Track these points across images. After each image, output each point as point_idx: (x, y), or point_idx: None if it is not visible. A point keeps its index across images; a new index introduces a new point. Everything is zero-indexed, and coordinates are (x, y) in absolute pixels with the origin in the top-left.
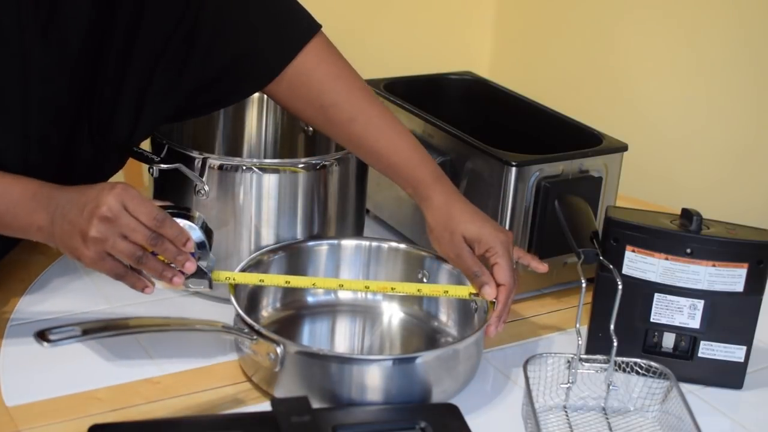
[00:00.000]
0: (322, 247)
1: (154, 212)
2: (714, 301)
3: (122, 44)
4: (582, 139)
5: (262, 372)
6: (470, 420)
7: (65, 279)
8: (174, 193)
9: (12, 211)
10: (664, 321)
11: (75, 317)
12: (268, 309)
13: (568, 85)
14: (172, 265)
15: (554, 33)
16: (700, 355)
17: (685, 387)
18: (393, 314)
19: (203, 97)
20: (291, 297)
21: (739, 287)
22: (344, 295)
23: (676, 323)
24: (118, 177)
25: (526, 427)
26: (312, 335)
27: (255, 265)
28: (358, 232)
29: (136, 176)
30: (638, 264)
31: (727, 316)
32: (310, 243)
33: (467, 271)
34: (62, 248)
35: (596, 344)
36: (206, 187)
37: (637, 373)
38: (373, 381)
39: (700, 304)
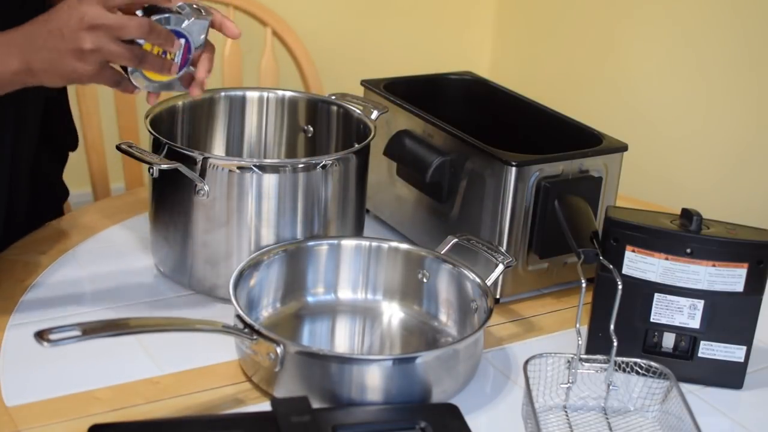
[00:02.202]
0: (322, 247)
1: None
2: (714, 301)
3: None
4: (582, 139)
5: (262, 372)
6: (470, 420)
7: (65, 279)
8: (174, 193)
9: None
10: (664, 321)
11: (75, 317)
12: (268, 309)
13: (568, 85)
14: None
15: (554, 33)
16: (700, 355)
17: (685, 387)
18: (393, 314)
19: None
20: (291, 297)
21: (739, 287)
22: (344, 295)
23: (676, 323)
24: (119, 176)
25: (526, 427)
26: (312, 335)
27: (255, 265)
28: (358, 232)
29: (136, 176)
30: (638, 264)
31: (727, 316)
32: (310, 243)
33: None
34: (51, 79)
35: (596, 344)
36: (206, 187)
37: (637, 373)
38: (373, 381)
39: (700, 304)
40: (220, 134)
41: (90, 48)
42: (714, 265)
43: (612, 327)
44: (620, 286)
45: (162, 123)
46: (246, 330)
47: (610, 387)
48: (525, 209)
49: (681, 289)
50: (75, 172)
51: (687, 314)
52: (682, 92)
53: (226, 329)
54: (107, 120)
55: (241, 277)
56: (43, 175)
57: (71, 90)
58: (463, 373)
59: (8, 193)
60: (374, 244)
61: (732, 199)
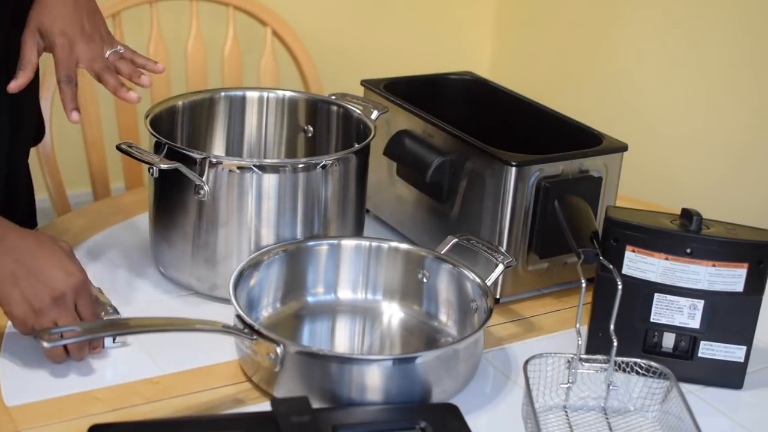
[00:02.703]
0: (322, 247)
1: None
2: (714, 301)
3: None
4: (582, 139)
5: (262, 372)
6: (470, 420)
7: None
8: (174, 193)
9: None
10: (664, 321)
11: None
12: (268, 309)
13: (568, 85)
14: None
15: (554, 33)
16: (700, 355)
17: (685, 387)
18: (393, 314)
19: None
20: (291, 297)
21: (739, 287)
22: (344, 295)
23: (676, 323)
24: (119, 176)
25: (526, 427)
26: (312, 335)
27: (255, 265)
28: (358, 232)
29: (136, 176)
30: (638, 264)
31: (727, 316)
32: (310, 243)
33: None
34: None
35: (596, 344)
36: (206, 187)
37: (637, 373)
38: (373, 381)
39: (700, 304)
40: (220, 134)
41: (36, 308)
42: (714, 265)
43: (612, 327)
44: (620, 286)
45: (162, 123)
46: (246, 330)
47: (610, 387)
48: (525, 209)
49: (681, 289)
50: (75, 172)
51: (687, 314)
52: (681, 92)
53: (226, 329)
54: (107, 120)
55: (241, 277)
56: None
57: None
58: (463, 373)
59: (5, 194)
60: (374, 244)
61: (732, 199)
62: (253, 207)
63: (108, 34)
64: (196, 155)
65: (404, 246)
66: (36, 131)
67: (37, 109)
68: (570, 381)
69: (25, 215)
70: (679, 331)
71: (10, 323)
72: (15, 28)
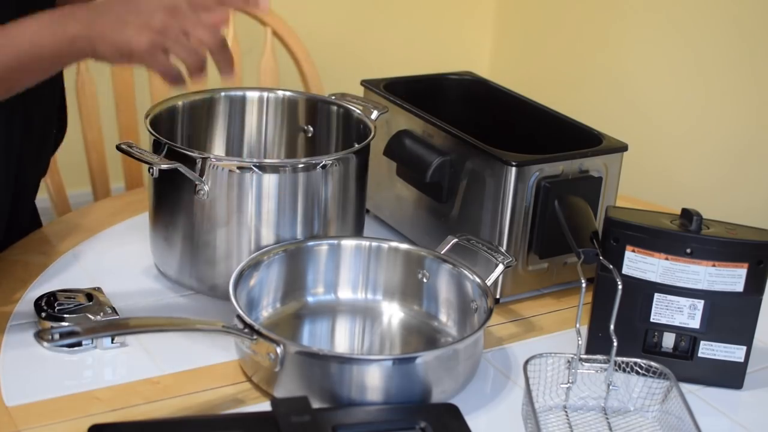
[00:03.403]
0: (322, 247)
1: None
2: (714, 301)
3: None
4: (582, 139)
5: (262, 372)
6: (470, 420)
7: (65, 279)
8: (174, 193)
9: (37, 39)
10: (664, 321)
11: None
12: (268, 309)
13: (568, 85)
14: None
15: (554, 33)
16: (700, 355)
17: (685, 387)
18: (393, 314)
19: None
20: (291, 297)
21: (739, 287)
22: (344, 295)
23: (676, 323)
24: (119, 176)
25: (526, 427)
26: (312, 335)
27: (255, 265)
28: (358, 232)
29: (136, 176)
30: (638, 264)
31: (727, 316)
32: (310, 243)
33: None
34: (105, 48)
35: (596, 344)
36: (206, 187)
37: (637, 373)
38: (373, 381)
39: (700, 304)
40: (220, 134)
41: (157, 27)
42: (714, 265)
43: (612, 327)
44: (620, 286)
45: (162, 123)
46: (246, 330)
47: (610, 387)
48: (525, 209)
49: (681, 289)
50: (75, 172)
51: (687, 314)
52: (681, 92)
53: (226, 329)
54: (107, 120)
55: (241, 277)
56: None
57: (71, 90)
58: (463, 373)
59: (14, 193)
60: (374, 244)
61: (732, 199)
62: (253, 207)
63: None
64: (196, 155)
65: (404, 246)
66: (55, 138)
67: (52, 114)
68: (570, 381)
69: (30, 214)
70: (679, 331)
71: (9, 323)
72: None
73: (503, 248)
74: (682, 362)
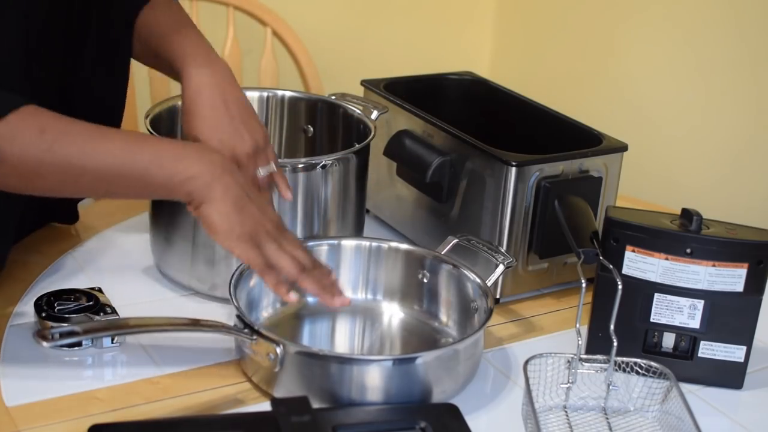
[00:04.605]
0: (322, 247)
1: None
2: (714, 301)
3: None
4: (582, 139)
5: (262, 372)
6: (470, 420)
7: (65, 279)
8: None
9: (156, 160)
10: (664, 321)
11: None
12: (268, 309)
13: (568, 85)
14: None
15: (554, 33)
16: (700, 355)
17: (685, 387)
18: (393, 314)
19: None
20: None
21: (739, 287)
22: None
23: (676, 323)
24: None
25: (526, 427)
26: (312, 335)
27: None
28: (358, 232)
29: None
30: (638, 264)
31: (727, 316)
32: (310, 243)
33: None
34: (218, 207)
35: (596, 344)
36: None
37: (637, 373)
38: (373, 381)
39: (700, 304)
40: None
41: (264, 231)
42: (714, 265)
43: (612, 327)
44: (620, 286)
45: (162, 123)
46: (246, 330)
47: (610, 387)
48: (525, 209)
49: (681, 289)
50: None
51: (687, 314)
52: (681, 92)
53: (226, 329)
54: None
55: (241, 277)
56: None
57: None
58: (463, 373)
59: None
60: (374, 244)
61: (732, 199)
62: None
63: (264, 135)
64: None
65: (404, 246)
66: None
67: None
68: (570, 381)
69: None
70: (679, 331)
71: (9, 323)
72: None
73: (503, 248)
74: (682, 362)
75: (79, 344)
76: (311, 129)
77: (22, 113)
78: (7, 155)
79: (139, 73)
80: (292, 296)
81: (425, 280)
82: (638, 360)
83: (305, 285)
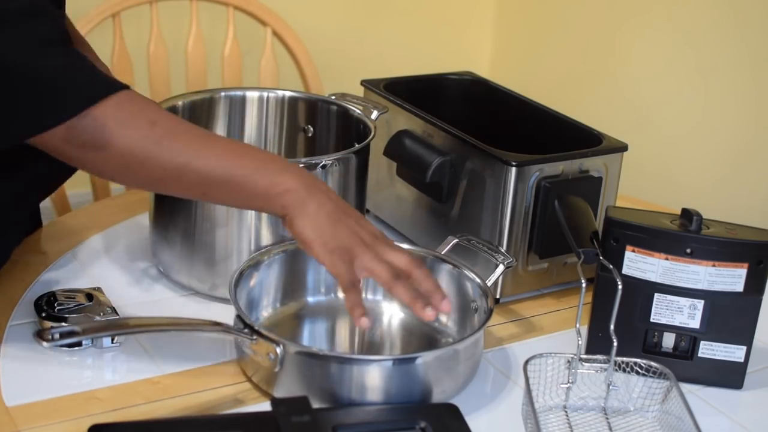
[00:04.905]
0: None
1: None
2: (714, 301)
3: None
4: (582, 139)
5: (262, 372)
6: (470, 420)
7: (65, 279)
8: None
9: (260, 170)
10: (664, 321)
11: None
12: (268, 309)
13: (568, 85)
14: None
15: (554, 33)
16: (700, 355)
17: (685, 387)
18: (393, 314)
19: None
20: (291, 297)
21: (739, 287)
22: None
23: (676, 323)
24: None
25: (526, 427)
26: (312, 335)
27: (255, 265)
28: None
29: None
30: (638, 264)
31: (727, 316)
32: None
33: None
34: (313, 221)
35: (596, 344)
36: None
37: (637, 373)
38: (373, 381)
39: (700, 304)
40: (221, 134)
41: (363, 242)
42: (714, 265)
43: (612, 327)
44: (620, 286)
45: None
46: (246, 330)
47: (610, 387)
48: (525, 209)
49: (681, 289)
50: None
51: (687, 314)
52: (681, 92)
53: (226, 329)
54: None
55: (241, 277)
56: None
57: None
58: (463, 373)
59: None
60: None
61: (732, 199)
62: None
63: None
64: None
65: (404, 246)
66: None
67: None
68: (570, 381)
69: (32, 214)
70: (679, 331)
71: (9, 323)
72: None
73: (503, 248)
74: (682, 362)
75: (79, 344)
76: (311, 129)
77: (132, 99)
78: (118, 140)
79: (139, 72)
80: (364, 322)
81: None
82: (638, 360)
83: (396, 292)
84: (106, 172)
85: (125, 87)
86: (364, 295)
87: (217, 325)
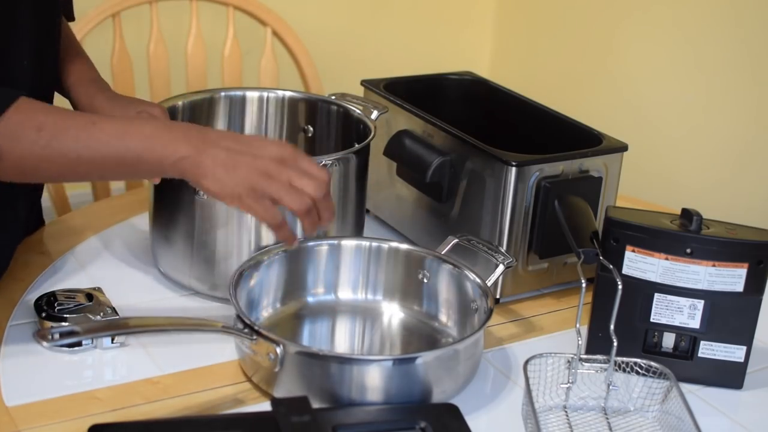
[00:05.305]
0: (322, 247)
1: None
2: (714, 301)
3: None
4: (582, 139)
5: (262, 372)
6: (470, 420)
7: (65, 279)
8: (174, 193)
9: (148, 145)
10: (664, 321)
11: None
12: (268, 309)
13: (568, 85)
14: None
15: (554, 33)
16: (700, 355)
17: (685, 387)
18: (393, 314)
19: None
20: (291, 297)
21: (739, 287)
22: (344, 295)
23: (676, 323)
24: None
25: (526, 427)
26: (312, 335)
27: (255, 265)
28: (358, 232)
29: None
30: (638, 264)
31: (727, 316)
32: (310, 243)
33: None
34: (212, 182)
35: (596, 344)
36: None
37: (637, 373)
38: (373, 381)
39: (700, 304)
40: None
41: (267, 173)
42: (714, 265)
43: (612, 327)
44: (620, 286)
45: None
46: (246, 330)
47: (610, 387)
48: (525, 209)
49: (681, 289)
50: None
51: (687, 314)
52: (682, 92)
53: (226, 329)
54: None
55: (241, 277)
56: None
57: None
58: (463, 373)
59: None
60: (374, 244)
61: (732, 199)
62: None
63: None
64: None
65: (404, 246)
66: None
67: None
68: (570, 381)
69: (33, 214)
70: (679, 331)
71: (9, 323)
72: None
73: (503, 248)
74: (682, 362)
75: (79, 344)
76: (311, 129)
77: (18, 109)
78: (8, 154)
79: (139, 72)
80: (295, 243)
81: (425, 280)
82: (638, 360)
83: (305, 227)
84: (9, 178)
85: (14, 97)
86: (363, 296)
87: (217, 325)
